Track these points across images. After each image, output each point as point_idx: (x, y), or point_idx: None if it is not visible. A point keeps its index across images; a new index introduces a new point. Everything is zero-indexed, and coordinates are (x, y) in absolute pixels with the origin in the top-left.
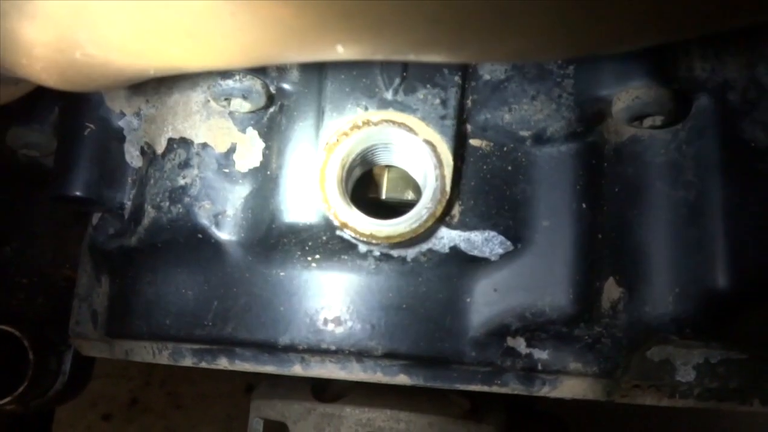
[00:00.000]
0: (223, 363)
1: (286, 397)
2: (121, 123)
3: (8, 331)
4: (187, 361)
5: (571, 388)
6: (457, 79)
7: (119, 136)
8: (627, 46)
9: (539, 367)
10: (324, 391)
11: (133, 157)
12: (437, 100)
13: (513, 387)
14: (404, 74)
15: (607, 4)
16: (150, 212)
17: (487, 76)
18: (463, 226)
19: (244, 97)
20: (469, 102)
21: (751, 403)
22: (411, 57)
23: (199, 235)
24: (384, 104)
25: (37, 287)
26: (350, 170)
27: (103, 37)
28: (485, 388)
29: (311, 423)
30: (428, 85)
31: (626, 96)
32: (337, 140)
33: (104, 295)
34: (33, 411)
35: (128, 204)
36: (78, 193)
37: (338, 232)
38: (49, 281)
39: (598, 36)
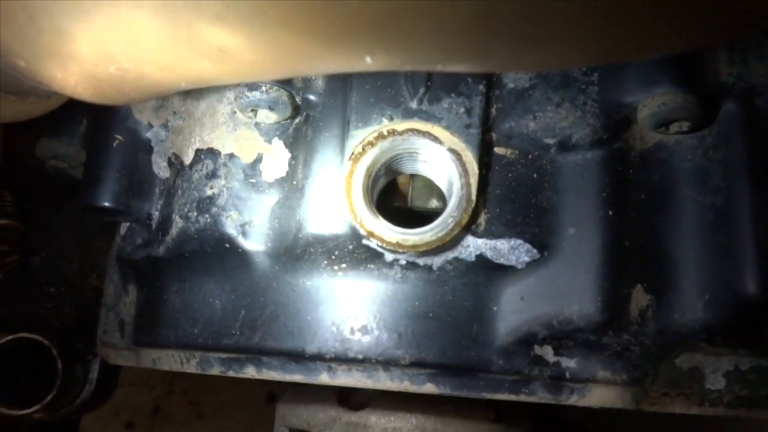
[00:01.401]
0: (250, 372)
1: (311, 405)
2: (148, 134)
3: (37, 340)
4: (215, 370)
5: (599, 396)
6: (481, 87)
7: (147, 148)
8: (654, 53)
9: (567, 375)
10: (349, 398)
11: (160, 168)
12: (462, 109)
13: (541, 396)
14: (429, 84)
15: (634, 13)
16: (178, 222)
17: (511, 85)
18: (489, 234)
19: (271, 108)
20: (493, 110)
21: None
22: (438, 67)
23: (227, 245)
24: (409, 114)
25: (64, 296)
26: (376, 179)
27: (138, 52)
28: (512, 397)
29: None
30: (453, 95)
31: (652, 102)
32: (363, 150)
33: (131, 304)
34: (60, 419)
35: (156, 214)
36: (106, 204)
37: (364, 241)
38: (77, 291)
39: (625, 44)
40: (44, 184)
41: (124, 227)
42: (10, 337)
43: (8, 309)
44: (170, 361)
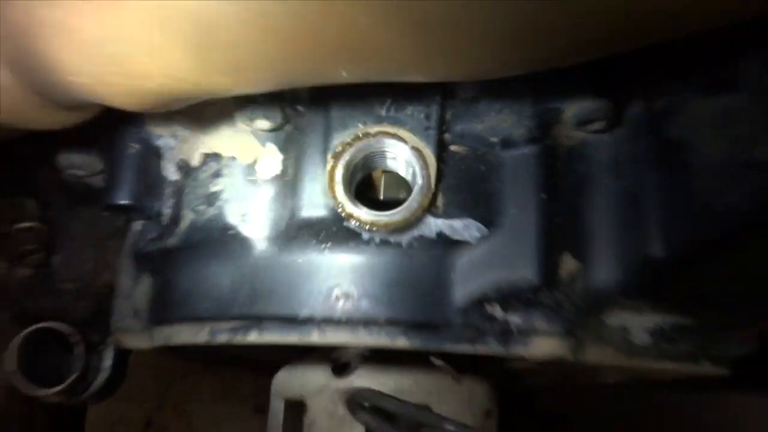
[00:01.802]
0: (253, 336)
1: (303, 376)
2: (159, 143)
3: (58, 330)
4: (223, 338)
5: (540, 346)
6: (437, 98)
7: (158, 154)
8: (563, 63)
9: (513, 329)
10: (339, 371)
11: (170, 171)
12: (422, 115)
13: (493, 347)
14: (395, 96)
15: (544, 34)
16: (188, 215)
17: (462, 95)
18: (446, 215)
19: (266, 117)
20: (448, 116)
21: (702, 364)
22: (395, 78)
23: (230, 232)
24: (379, 120)
25: (80, 292)
26: (353, 173)
27: (175, 72)
28: (470, 348)
29: (327, 397)
30: (415, 103)
31: (573, 106)
32: (342, 149)
33: (144, 293)
34: (76, 404)
35: (166, 211)
36: (126, 202)
37: (345, 223)
38: (91, 287)
39: (535, 58)
40: (63, 191)
41: (137, 224)
42: (40, 325)
43: (34, 302)
44: (182, 334)
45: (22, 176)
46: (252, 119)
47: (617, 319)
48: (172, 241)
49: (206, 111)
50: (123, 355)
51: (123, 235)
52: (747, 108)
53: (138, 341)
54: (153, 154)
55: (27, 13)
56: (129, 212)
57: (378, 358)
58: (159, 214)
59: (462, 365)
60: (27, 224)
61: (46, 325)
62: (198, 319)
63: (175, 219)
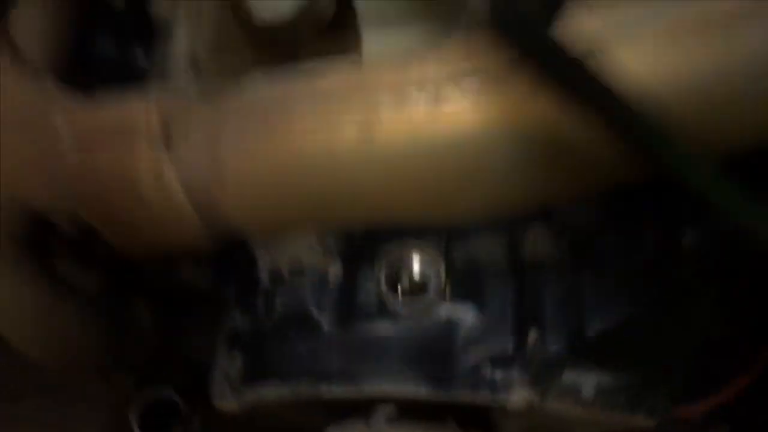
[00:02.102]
0: (323, 388)
1: (347, 430)
2: (257, 255)
3: (170, 398)
4: (301, 389)
5: (519, 394)
6: (443, 232)
7: (255, 263)
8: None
9: (498, 383)
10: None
11: (263, 274)
12: (437, 237)
13: (486, 396)
14: (420, 226)
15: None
16: (278, 306)
17: (458, 229)
18: (452, 302)
19: (333, 237)
20: (452, 237)
21: (637, 414)
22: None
23: (307, 314)
24: (410, 238)
25: (184, 367)
26: (393, 273)
27: (308, 218)
28: (469, 398)
29: None
30: (432, 230)
31: (531, 234)
32: (385, 257)
33: (237, 364)
34: None
35: (260, 302)
36: (230, 301)
37: (386, 307)
38: (190, 364)
39: (500, 209)
40: (174, 292)
41: (233, 313)
42: (159, 393)
43: (151, 373)
44: (268, 390)
45: (142, 280)
46: (325, 239)
47: (570, 377)
48: (263, 323)
49: (292, 235)
50: (210, 423)
51: (218, 321)
52: (642, 244)
53: (230, 404)
54: (252, 264)
55: (220, 188)
56: (234, 306)
57: (402, 414)
58: (252, 305)
59: (464, 424)
60: (142, 315)
61: (164, 394)
62: (281, 377)
63: (269, 308)
